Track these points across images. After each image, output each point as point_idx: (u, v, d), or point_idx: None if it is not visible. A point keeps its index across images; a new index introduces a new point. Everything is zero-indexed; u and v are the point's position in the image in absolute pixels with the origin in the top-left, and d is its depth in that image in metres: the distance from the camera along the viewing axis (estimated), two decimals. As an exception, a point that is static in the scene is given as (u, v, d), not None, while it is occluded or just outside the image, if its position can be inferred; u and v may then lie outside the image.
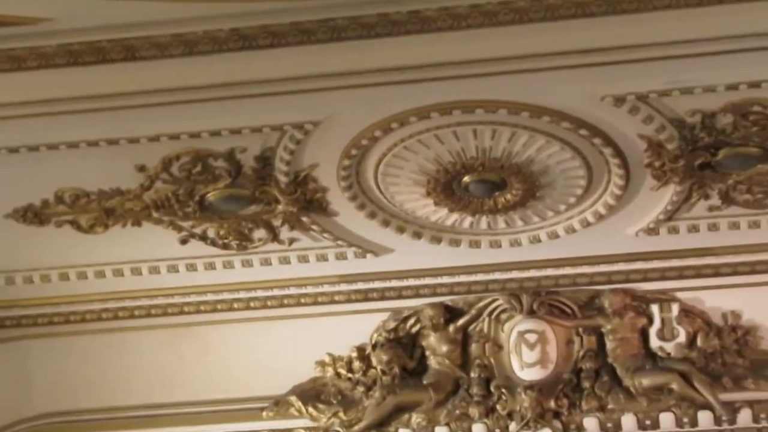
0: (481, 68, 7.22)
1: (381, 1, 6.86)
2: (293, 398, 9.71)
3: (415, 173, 8.21)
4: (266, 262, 9.09)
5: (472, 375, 9.39)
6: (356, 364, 9.61)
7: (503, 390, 9.32)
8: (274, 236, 8.86)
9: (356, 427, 9.52)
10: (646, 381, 9.16)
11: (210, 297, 9.48)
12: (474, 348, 9.41)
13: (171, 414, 9.91)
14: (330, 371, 9.69)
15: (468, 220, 8.66)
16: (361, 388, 9.58)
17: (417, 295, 9.43)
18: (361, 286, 9.36)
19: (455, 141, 7.88)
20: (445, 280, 9.30)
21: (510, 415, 9.33)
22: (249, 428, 9.85)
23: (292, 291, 9.40)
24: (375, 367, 9.54)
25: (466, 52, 7.09)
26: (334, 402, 9.62)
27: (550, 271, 9.18)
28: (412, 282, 9.30)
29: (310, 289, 9.39)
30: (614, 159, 7.95)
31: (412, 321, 9.51)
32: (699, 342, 9.17)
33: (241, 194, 8.42)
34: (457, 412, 9.43)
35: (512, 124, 7.71)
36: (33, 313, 9.60)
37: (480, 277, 9.27)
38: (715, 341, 9.17)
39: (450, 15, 6.82)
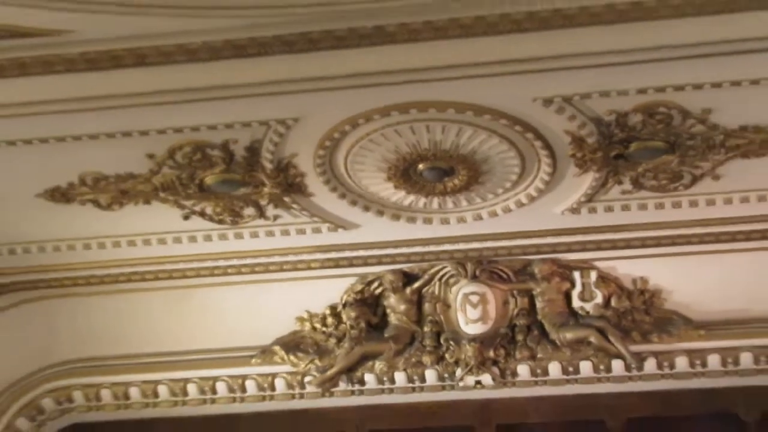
0: (434, 74, 7.28)
1: (350, 17, 6.88)
2: (277, 348, 9.76)
3: (378, 161, 8.24)
4: (254, 235, 9.17)
5: (425, 329, 9.47)
6: (329, 320, 9.68)
7: (451, 342, 9.39)
8: (261, 213, 8.92)
9: (329, 372, 9.56)
10: (569, 335, 9.27)
11: (208, 264, 9.54)
12: (427, 307, 9.49)
13: (175, 360, 9.98)
14: (307, 326, 9.74)
15: (422, 200, 8.71)
16: (333, 340, 9.64)
17: (379, 263, 9.52)
18: (333, 255, 9.43)
19: (412, 135, 7.91)
20: (403, 250, 9.38)
21: (456, 363, 9.40)
22: (240, 372, 9.90)
23: (276, 259, 9.47)
24: (345, 323, 9.61)
25: (420, 60, 7.10)
26: (311, 351, 9.67)
27: (490, 243, 9.23)
28: (375, 252, 9.37)
29: (290, 258, 9.46)
30: (543, 150, 7.97)
31: (375, 284, 9.58)
32: (613, 303, 9.28)
33: (234, 178, 8.46)
34: (413, 360, 9.50)
35: (459, 121, 7.77)
36: (60, 276, 9.65)
37: (432, 248, 9.35)
38: (626, 302, 9.28)
39: (407, 30, 6.83)
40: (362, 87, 7.46)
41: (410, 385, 9.67)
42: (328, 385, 9.69)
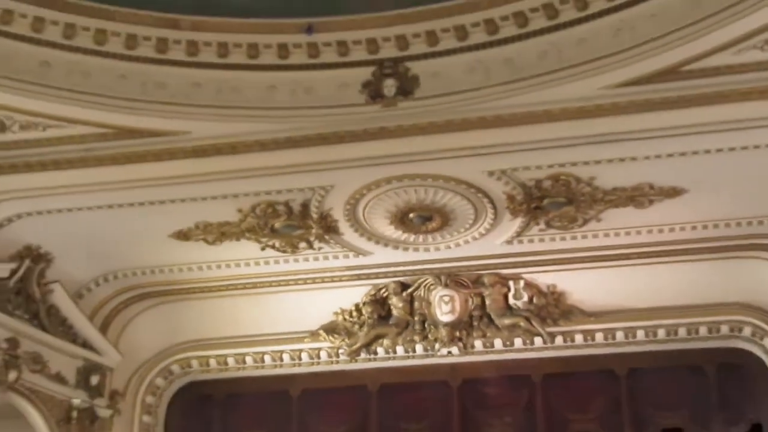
0: (419, 157, 7.44)
1: (364, 121, 7.14)
2: (321, 331, 9.66)
3: (383, 212, 8.26)
4: (306, 259, 9.10)
5: (416, 318, 9.39)
6: (354, 313, 9.57)
7: (432, 326, 9.32)
8: (310, 245, 8.83)
9: (354, 347, 9.53)
10: (507, 321, 9.21)
11: (275, 278, 9.47)
12: (416, 304, 9.39)
13: (256, 340, 9.93)
14: (340, 317, 9.65)
15: (412, 237, 8.67)
16: (357, 326, 9.53)
17: (386, 276, 9.41)
18: (356, 272, 9.33)
19: (405, 195, 7.95)
20: (401, 268, 9.28)
21: (435, 340, 9.33)
22: (297, 347, 9.84)
23: (320, 275, 9.37)
24: (364, 315, 9.51)
25: (410, 148, 7.28)
26: (343, 333, 9.60)
27: (456, 264, 9.18)
28: (383, 270, 9.30)
29: (328, 273, 9.35)
30: (489, 204, 8.01)
31: (383, 290, 9.46)
32: (534, 300, 9.21)
33: (293, 224, 8.43)
34: (408, 338, 9.42)
35: (435, 186, 7.84)
36: (182, 287, 9.64)
37: (419, 266, 9.25)
38: (543, 300, 9.22)
39: (402, 129, 7.11)
40: (373, 165, 7.57)
41: (406, 354, 9.59)
42: (353, 355, 9.62)
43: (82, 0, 7.21)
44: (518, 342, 9.37)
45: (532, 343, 9.35)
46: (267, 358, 9.94)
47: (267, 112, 7.55)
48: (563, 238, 8.72)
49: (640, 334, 9.28)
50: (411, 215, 8.34)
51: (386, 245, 8.86)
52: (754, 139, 7.41)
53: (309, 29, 7.41)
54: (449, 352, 9.42)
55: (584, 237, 8.70)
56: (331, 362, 9.85)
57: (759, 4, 6.50)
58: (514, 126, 7.32)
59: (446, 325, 9.28)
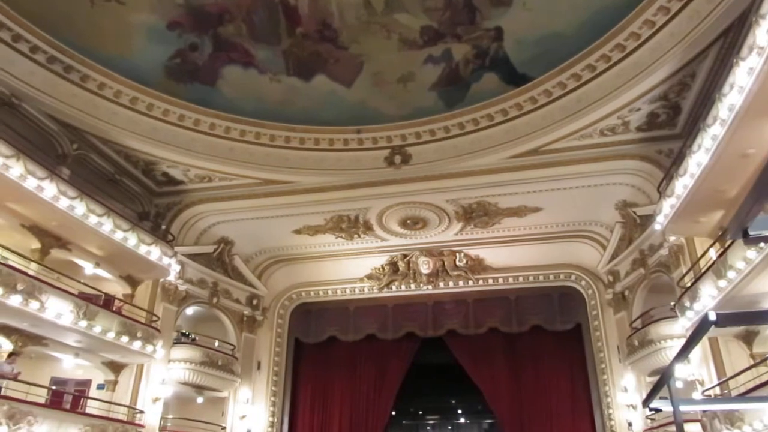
0: (411, 193, 7.41)
1: (384, 176, 7.17)
2: (365, 277, 9.55)
3: (394, 219, 8.20)
4: (360, 242, 8.88)
5: (411, 272, 9.23)
6: (380, 269, 9.42)
7: (419, 276, 9.16)
8: (359, 236, 8.71)
9: (380, 285, 9.39)
10: (455, 273, 9.08)
11: (342, 252, 9.20)
12: (411, 264, 9.23)
13: (334, 281, 9.68)
14: (374, 270, 9.47)
15: (409, 232, 8.55)
16: (382, 275, 9.39)
17: (396, 251, 9.20)
18: (381, 249, 9.13)
19: (405, 211, 7.93)
20: (403, 247, 9.09)
21: (420, 282, 9.19)
22: (353, 286, 9.63)
23: (363, 250, 9.13)
24: (385, 270, 9.38)
25: (406, 189, 7.29)
26: (375, 279, 9.45)
27: (430, 244, 8.98)
28: (395, 247, 9.10)
29: (368, 249, 9.13)
30: (446, 216, 8.05)
31: (395, 258, 9.28)
32: (468, 262, 9.08)
33: (351, 226, 8.41)
34: (407, 281, 9.27)
35: (420, 207, 7.81)
36: (295, 257, 9.41)
37: (412, 246, 9.05)
38: (472, 262, 9.09)
39: (403, 180, 7.12)
40: (389, 197, 7.60)
41: (406, 289, 9.35)
42: (381, 290, 9.40)
43: (249, 118, 7.39)
44: (461, 283, 9.22)
45: (467, 284, 9.21)
46: (338, 290, 9.81)
47: (338, 171, 7.64)
48: (483, 232, 8.61)
49: (521, 279, 9.21)
50: (408, 221, 8.34)
51: (396, 236, 8.77)
52: (577, 183, 7.50)
53: (359, 131, 7.69)
54: (427, 288, 9.29)
55: (493, 231, 8.60)
56: (370, 293, 9.65)
57: (573, 117, 6.64)
58: (459, 177, 7.47)
59: (426, 275, 9.16)
